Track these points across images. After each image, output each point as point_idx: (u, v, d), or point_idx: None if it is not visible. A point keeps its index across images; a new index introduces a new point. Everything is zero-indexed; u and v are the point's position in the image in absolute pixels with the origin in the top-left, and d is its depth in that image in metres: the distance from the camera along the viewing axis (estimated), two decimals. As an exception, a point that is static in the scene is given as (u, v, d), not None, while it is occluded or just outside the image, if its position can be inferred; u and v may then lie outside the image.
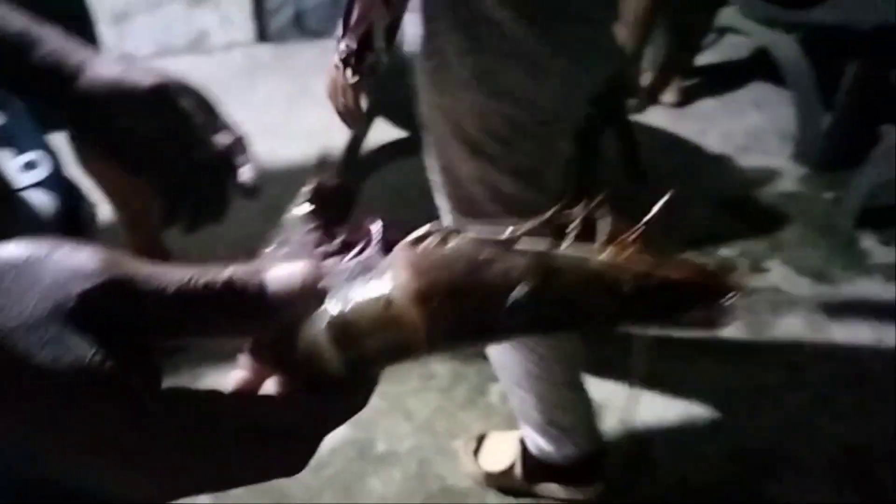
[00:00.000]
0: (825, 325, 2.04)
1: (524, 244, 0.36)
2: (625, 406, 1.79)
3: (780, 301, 2.13)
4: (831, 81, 2.61)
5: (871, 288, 2.15)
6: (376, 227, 0.42)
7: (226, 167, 0.63)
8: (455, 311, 0.35)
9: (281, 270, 0.34)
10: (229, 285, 0.32)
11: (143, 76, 0.60)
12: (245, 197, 0.63)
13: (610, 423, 1.75)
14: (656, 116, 3.02)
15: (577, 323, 0.36)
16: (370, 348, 0.35)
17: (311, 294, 0.35)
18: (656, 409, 1.81)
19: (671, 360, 1.80)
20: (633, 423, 1.77)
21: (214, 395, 0.33)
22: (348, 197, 0.53)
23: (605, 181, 2.53)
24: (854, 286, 2.16)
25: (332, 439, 1.78)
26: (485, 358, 1.61)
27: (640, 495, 1.63)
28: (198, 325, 0.32)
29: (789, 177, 2.70)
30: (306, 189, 0.52)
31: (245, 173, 0.63)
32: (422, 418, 1.83)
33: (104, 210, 2.43)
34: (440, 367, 1.93)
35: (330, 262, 0.41)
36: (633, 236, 0.36)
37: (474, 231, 0.37)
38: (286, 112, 3.21)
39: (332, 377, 0.35)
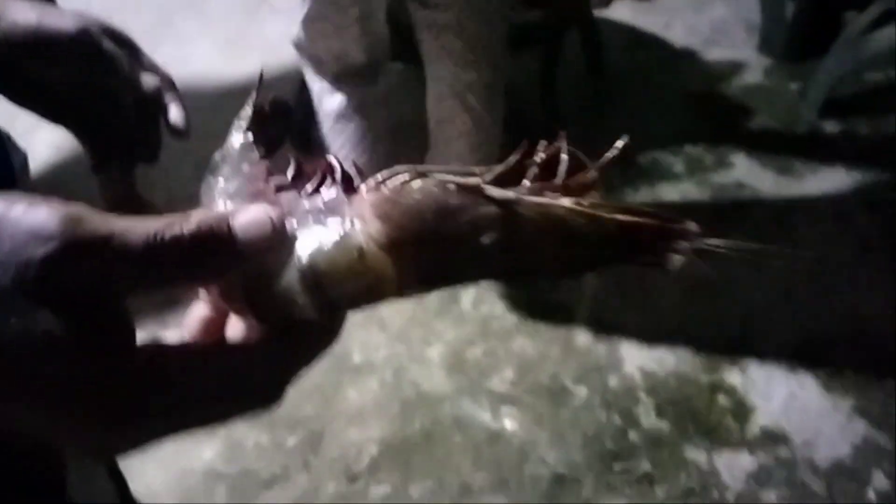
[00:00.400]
0: (789, 218, 2.07)
1: (491, 188, 0.36)
2: (595, 310, 1.84)
3: (745, 195, 2.15)
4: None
5: (834, 178, 2.17)
6: (335, 163, 0.41)
7: (155, 109, 0.61)
8: (425, 259, 0.36)
9: (249, 215, 0.33)
10: (198, 236, 0.31)
11: (62, 21, 0.56)
12: (175, 138, 0.61)
13: (576, 324, 1.79)
14: (619, 11, 2.97)
15: (542, 268, 0.38)
16: (342, 295, 0.35)
17: (282, 239, 0.35)
18: (621, 308, 1.85)
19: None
20: (599, 324, 1.81)
21: (188, 349, 0.35)
22: (286, 112, 0.52)
23: (566, 80, 2.51)
24: (817, 177, 2.18)
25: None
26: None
27: (609, 389, 1.69)
28: (168, 279, 0.32)
29: (754, 69, 2.68)
30: (246, 112, 0.50)
31: (174, 114, 0.61)
32: (396, 328, 1.85)
33: (37, 157, 2.39)
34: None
35: (287, 197, 0.41)
36: (592, 177, 0.38)
37: (441, 174, 0.37)
38: (245, 23, 3.11)
39: (303, 321, 0.35)
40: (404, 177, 0.37)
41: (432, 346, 1.80)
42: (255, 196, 0.42)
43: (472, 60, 1.70)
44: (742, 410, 1.63)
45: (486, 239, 0.35)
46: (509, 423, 1.66)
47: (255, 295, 0.36)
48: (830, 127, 2.37)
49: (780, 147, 2.33)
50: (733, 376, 1.69)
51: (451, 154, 1.82)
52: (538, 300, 1.86)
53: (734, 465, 1.54)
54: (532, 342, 1.79)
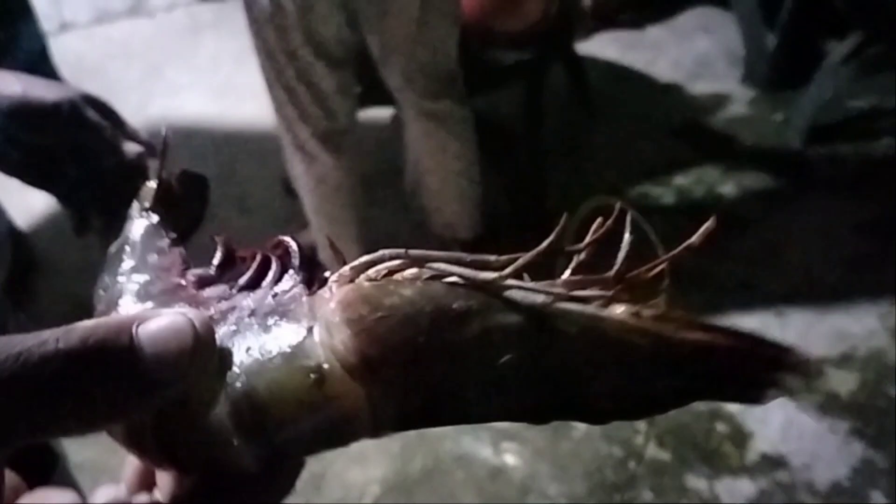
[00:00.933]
0: (778, 244, 2.10)
1: (514, 288, 0.27)
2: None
3: (735, 225, 2.18)
4: (775, 1, 2.63)
5: (821, 203, 2.21)
6: (292, 246, 0.31)
7: (136, 175, 0.63)
8: (414, 387, 0.25)
9: (161, 322, 0.24)
10: (84, 354, 0.22)
11: (46, 92, 0.58)
12: None
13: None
14: (606, 48, 3.03)
15: (578, 405, 0.27)
16: (292, 436, 0.25)
17: (206, 355, 0.25)
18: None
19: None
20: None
21: None
22: (200, 187, 0.44)
23: (551, 116, 2.55)
24: (805, 203, 2.22)
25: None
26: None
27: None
28: (46, 419, 0.22)
29: (739, 100, 2.73)
30: (149, 186, 0.41)
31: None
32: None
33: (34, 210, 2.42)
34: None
35: (215, 293, 0.31)
36: (655, 271, 0.27)
37: (441, 261, 0.27)
38: (233, 71, 3.17)
39: (240, 471, 0.26)
40: (391, 264, 0.27)
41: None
42: (170, 295, 0.31)
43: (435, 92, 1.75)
44: (740, 436, 1.64)
45: (503, 362, 0.25)
46: (510, 458, 1.67)
47: (170, 438, 0.25)
48: (816, 154, 2.41)
49: (768, 175, 2.37)
50: (730, 403, 1.70)
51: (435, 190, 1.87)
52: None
53: (735, 491, 1.55)
54: (530, 376, 1.80)
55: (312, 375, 0.25)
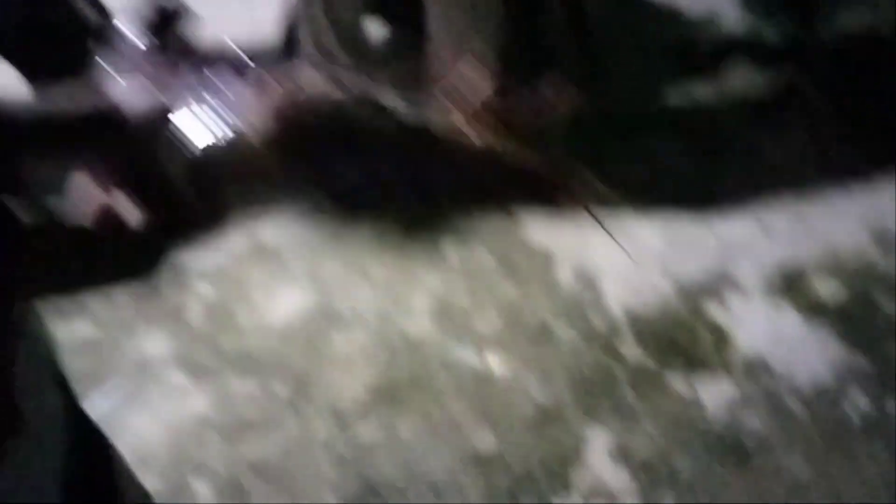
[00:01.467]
0: (764, 156, 2.09)
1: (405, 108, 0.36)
2: (575, 252, 1.85)
3: (723, 139, 2.17)
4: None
5: (810, 120, 2.19)
6: (228, 47, 0.40)
7: (88, 33, 0.62)
8: (303, 149, 0.38)
9: (133, 87, 0.34)
10: (101, 111, 0.33)
11: None
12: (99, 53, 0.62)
13: (562, 270, 1.81)
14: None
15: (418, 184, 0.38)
16: (222, 177, 0.37)
17: (165, 112, 0.35)
18: (604, 250, 1.86)
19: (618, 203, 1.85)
20: (583, 266, 1.83)
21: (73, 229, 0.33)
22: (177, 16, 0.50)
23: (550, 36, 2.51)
24: (792, 120, 2.20)
25: (296, 306, 1.83)
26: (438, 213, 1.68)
27: (592, 327, 1.71)
28: (49, 143, 0.32)
29: (734, 21, 2.69)
30: (148, 10, 0.48)
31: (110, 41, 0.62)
32: (380, 279, 1.87)
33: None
34: (392, 225, 1.95)
35: (170, 73, 0.40)
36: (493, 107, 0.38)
37: (352, 80, 0.37)
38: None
39: (182, 199, 0.36)
40: (317, 81, 0.38)
41: (417, 294, 1.82)
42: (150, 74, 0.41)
43: None
44: (723, 341, 1.65)
45: (375, 145, 0.37)
46: (495, 365, 1.68)
47: (141, 180, 0.36)
48: (807, 73, 2.39)
49: (758, 94, 2.34)
50: (714, 308, 1.71)
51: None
52: (519, 244, 1.87)
53: (717, 394, 1.57)
54: (515, 285, 1.80)
55: (247, 149, 0.34)
